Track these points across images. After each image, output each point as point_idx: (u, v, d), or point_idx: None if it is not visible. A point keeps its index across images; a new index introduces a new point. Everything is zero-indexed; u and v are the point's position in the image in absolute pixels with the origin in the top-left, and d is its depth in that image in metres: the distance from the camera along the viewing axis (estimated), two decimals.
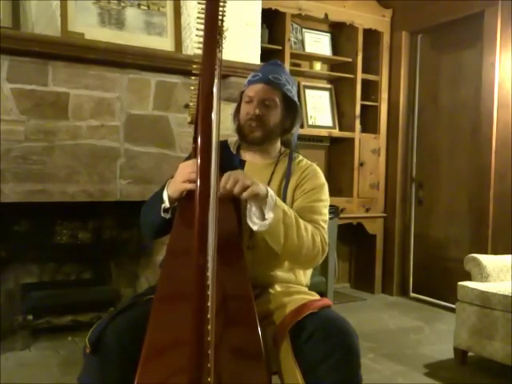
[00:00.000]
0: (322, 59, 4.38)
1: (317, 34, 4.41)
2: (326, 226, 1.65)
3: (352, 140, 4.36)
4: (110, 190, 3.02)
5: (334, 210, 3.72)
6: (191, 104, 1.48)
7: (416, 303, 4.25)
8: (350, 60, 4.33)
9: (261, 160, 1.74)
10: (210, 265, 1.10)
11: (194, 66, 1.33)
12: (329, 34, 4.48)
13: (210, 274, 1.10)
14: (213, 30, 0.92)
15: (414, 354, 3.03)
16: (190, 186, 1.48)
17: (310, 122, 4.29)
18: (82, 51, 2.81)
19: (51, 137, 2.84)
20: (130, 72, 3.04)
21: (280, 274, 1.64)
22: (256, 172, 1.69)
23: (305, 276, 1.73)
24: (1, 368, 2.56)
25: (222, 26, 1.24)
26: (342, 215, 4.04)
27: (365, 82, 4.39)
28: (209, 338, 1.05)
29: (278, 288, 1.60)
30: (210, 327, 1.06)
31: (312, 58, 4.31)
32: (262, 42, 3.60)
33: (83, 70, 2.91)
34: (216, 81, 0.99)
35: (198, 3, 1.07)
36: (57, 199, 2.88)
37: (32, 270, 3.18)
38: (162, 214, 1.57)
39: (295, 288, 1.64)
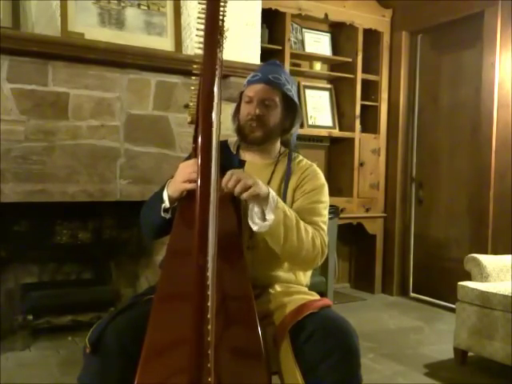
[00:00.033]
0: (322, 59, 4.38)
1: (317, 34, 4.41)
2: (325, 228, 1.65)
3: (352, 140, 4.36)
4: (110, 190, 3.02)
5: (334, 210, 3.72)
6: (191, 104, 1.48)
7: (416, 303, 4.25)
8: (350, 60, 4.33)
9: (260, 160, 1.74)
10: (210, 265, 1.10)
11: (195, 66, 1.33)
12: (329, 34, 4.48)
13: (210, 273, 1.10)
14: (213, 30, 0.92)
15: (413, 354, 3.03)
16: (190, 185, 1.48)
17: (310, 122, 4.29)
18: (82, 51, 2.81)
19: (51, 137, 2.84)
20: (130, 72, 3.04)
21: (280, 274, 1.64)
22: (256, 172, 1.68)
23: (305, 276, 1.74)
24: (1, 368, 2.56)
25: (223, 26, 1.24)
26: (342, 215, 4.04)
27: (365, 82, 4.39)
28: (209, 338, 1.05)
29: (278, 288, 1.60)
30: (210, 327, 1.06)
31: (312, 58, 4.31)
32: (262, 42, 3.60)
33: (83, 70, 2.91)
34: (216, 81, 0.99)
35: (199, 3, 1.07)
36: (57, 199, 2.88)
37: (32, 270, 3.18)
38: (162, 214, 1.57)
39: (295, 288, 1.64)
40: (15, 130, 2.75)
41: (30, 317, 2.88)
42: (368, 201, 4.46)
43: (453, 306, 3.02)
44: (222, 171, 1.41)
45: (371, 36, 4.41)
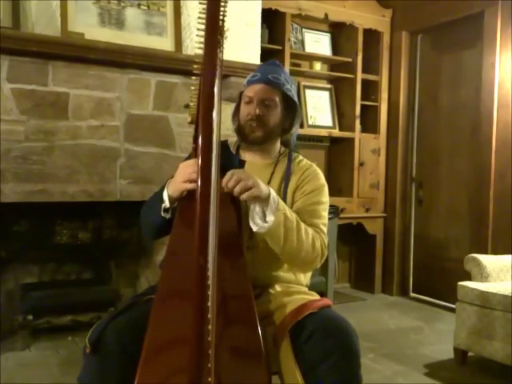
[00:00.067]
0: (322, 59, 4.39)
1: (317, 34, 4.41)
2: (325, 230, 1.65)
3: (352, 140, 4.36)
4: (110, 190, 3.02)
5: (334, 210, 3.72)
6: (191, 104, 1.48)
7: (416, 303, 4.25)
8: (350, 60, 4.33)
9: (260, 160, 1.74)
10: (210, 265, 1.10)
11: (195, 66, 1.33)
12: (329, 34, 4.48)
13: (210, 273, 1.10)
14: (214, 30, 0.92)
15: (414, 354, 3.03)
16: (190, 185, 1.48)
17: (310, 122, 4.29)
18: (82, 51, 2.81)
19: (51, 137, 2.84)
20: (130, 72, 3.04)
21: (280, 273, 1.64)
22: (256, 172, 1.68)
23: (305, 276, 1.74)
24: (1, 368, 2.56)
25: (223, 26, 1.24)
26: (342, 215, 4.04)
27: (365, 82, 4.39)
28: (209, 338, 1.05)
29: (278, 288, 1.60)
30: (210, 327, 1.06)
31: (312, 58, 4.31)
32: (262, 42, 3.60)
33: (83, 70, 2.91)
34: (217, 81, 0.99)
35: (200, 3, 1.08)
36: (57, 199, 2.88)
37: (32, 270, 3.18)
38: (162, 214, 1.57)
39: (295, 288, 1.64)
40: (15, 130, 2.75)
41: (30, 317, 2.88)
42: (368, 201, 4.46)
43: (453, 306, 3.02)
44: (222, 171, 1.41)
45: (371, 36, 4.41)
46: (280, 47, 3.99)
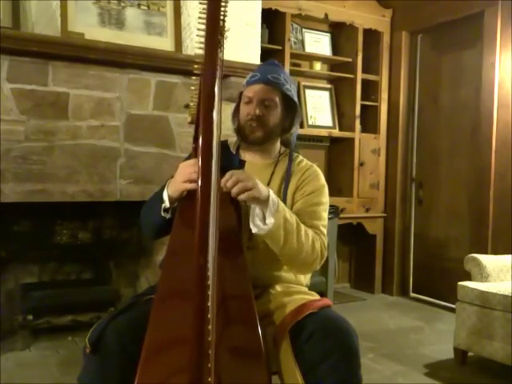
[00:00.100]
0: (322, 59, 4.39)
1: (317, 34, 4.41)
2: (325, 231, 1.65)
3: (352, 140, 4.36)
4: (110, 190, 3.02)
5: (334, 210, 3.72)
6: (192, 104, 1.48)
7: (416, 303, 4.25)
8: (350, 60, 4.33)
9: (260, 160, 1.74)
10: (210, 265, 1.10)
11: (195, 66, 1.33)
12: (329, 34, 4.48)
13: (210, 273, 1.10)
14: (214, 30, 0.92)
15: (414, 354, 3.03)
16: (190, 185, 1.48)
17: (309, 122, 4.29)
18: (82, 51, 2.81)
19: (51, 137, 2.84)
20: (130, 72, 3.04)
21: (280, 273, 1.64)
22: (256, 172, 1.68)
23: (305, 276, 1.74)
24: (1, 368, 2.56)
25: (224, 26, 1.24)
26: (342, 215, 4.04)
27: (365, 82, 4.39)
28: (209, 338, 1.05)
29: (278, 288, 1.60)
30: (210, 327, 1.06)
31: (312, 58, 4.31)
32: (262, 42, 3.60)
33: (83, 70, 2.91)
34: (217, 81, 0.99)
35: (200, 3, 1.07)
36: (57, 199, 2.88)
37: (32, 270, 3.18)
38: (163, 214, 1.57)
39: (295, 288, 1.64)
40: (15, 130, 2.75)
41: (30, 317, 2.88)
42: (368, 201, 4.46)
43: (453, 306, 3.02)
44: (222, 171, 1.41)
45: (371, 36, 4.41)
46: (280, 47, 3.99)
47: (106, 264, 3.36)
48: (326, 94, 4.46)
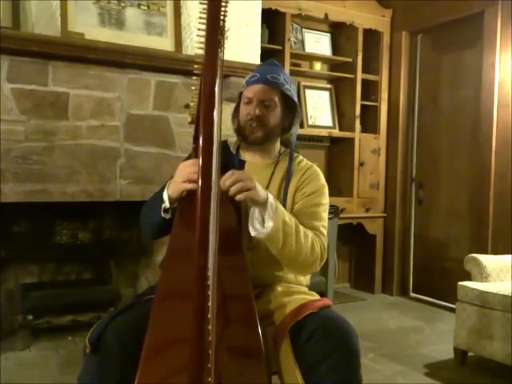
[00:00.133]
0: (322, 59, 4.38)
1: (317, 34, 4.41)
2: (325, 232, 1.65)
3: (352, 140, 4.36)
4: (110, 190, 3.02)
5: (334, 210, 3.72)
6: (192, 104, 1.48)
7: (416, 303, 4.25)
8: (350, 60, 4.33)
9: (261, 160, 1.74)
10: (210, 265, 1.10)
11: (195, 66, 1.33)
12: (329, 34, 4.48)
13: (210, 273, 1.10)
14: (215, 30, 0.92)
15: (414, 354, 3.03)
16: (189, 186, 1.48)
17: (310, 122, 4.29)
18: (82, 51, 2.81)
19: (51, 137, 2.84)
20: (130, 72, 3.04)
21: (280, 274, 1.64)
22: (256, 172, 1.68)
23: (305, 276, 1.74)
24: (1, 368, 2.56)
25: (224, 26, 1.24)
26: (342, 215, 4.04)
27: (365, 82, 4.39)
28: (209, 338, 1.05)
29: (278, 288, 1.60)
30: (210, 327, 1.06)
31: (312, 58, 4.31)
32: (262, 42, 3.60)
33: (83, 70, 2.91)
34: (217, 81, 0.99)
35: (200, 3, 1.07)
36: (57, 199, 2.87)
37: (32, 270, 3.18)
38: (163, 214, 1.57)
39: (295, 288, 1.64)
40: (15, 130, 2.75)
41: (30, 317, 2.87)
42: (368, 201, 4.46)
43: (453, 306, 3.02)
44: (222, 172, 1.41)
45: (371, 36, 4.41)
46: (280, 47, 3.99)
47: (106, 264, 3.36)
48: (326, 94, 4.46)
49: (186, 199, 1.52)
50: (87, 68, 2.91)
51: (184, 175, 1.49)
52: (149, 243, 3.30)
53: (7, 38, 2.58)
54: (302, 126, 4.11)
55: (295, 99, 1.72)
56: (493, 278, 2.84)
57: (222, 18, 1.16)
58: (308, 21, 4.30)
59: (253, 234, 1.49)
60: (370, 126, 4.50)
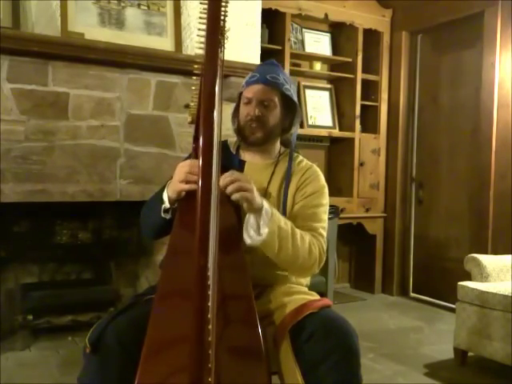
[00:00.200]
0: (322, 59, 4.39)
1: (317, 34, 4.41)
2: (325, 233, 1.65)
3: (352, 140, 4.36)
4: (110, 190, 3.02)
5: (334, 210, 3.72)
6: (192, 104, 1.48)
7: (416, 303, 4.25)
8: (350, 60, 4.33)
9: (261, 160, 1.74)
10: (210, 264, 1.10)
11: (195, 66, 1.33)
12: (329, 34, 4.48)
13: (210, 273, 1.10)
14: (215, 30, 0.92)
15: (414, 354, 3.03)
16: (187, 186, 1.48)
17: (309, 122, 4.29)
18: (82, 51, 2.81)
19: (51, 137, 2.84)
20: (130, 72, 3.04)
21: (280, 273, 1.64)
22: (256, 172, 1.69)
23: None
24: (1, 368, 2.56)
25: (224, 26, 1.24)
26: (342, 215, 4.04)
27: (365, 82, 4.39)
28: (209, 338, 1.05)
29: (278, 288, 1.60)
30: (210, 327, 1.06)
31: (312, 58, 4.31)
32: (262, 42, 3.60)
33: (83, 70, 2.91)
34: (217, 81, 0.99)
35: (200, 3, 1.07)
36: (57, 199, 2.88)
37: (32, 270, 3.18)
38: (162, 215, 1.57)
39: (295, 288, 1.64)
40: (15, 130, 2.75)
41: (30, 317, 2.87)
42: (368, 201, 4.46)
43: (453, 306, 3.02)
44: (222, 172, 1.41)
45: (371, 36, 4.41)
46: (280, 47, 3.99)
47: (106, 264, 3.36)
48: (326, 94, 4.46)
49: (186, 199, 1.52)
50: (87, 68, 2.91)
51: (181, 176, 1.49)
52: (149, 243, 3.30)
53: (7, 37, 2.58)
54: (302, 126, 4.11)
55: (295, 99, 1.72)
56: (493, 278, 2.84)
57: (222, 18, 1.16)
58: (308, 21, 4.30)
59: (248, 241, 1.48)
60: (370, 125, 4.50)
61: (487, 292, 2.66)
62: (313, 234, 1.60)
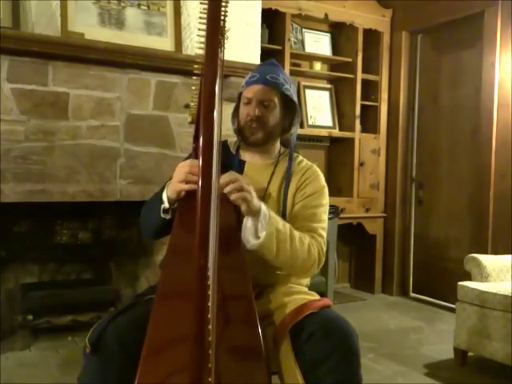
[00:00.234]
0: (322, 59, 4.39)
1: (317, 34, 4.41)
2: (325, 234, 1.65)
3: (352, 140, 4.37)
4: (110, 190, 3.02)
5: (334, 210, 3.72)
6: (192, 104, 1.47)
7: (416, 303, 4.25)
8: (350, 60, 4.33)
9: (260, 160, 1.74)
10: (210, 264, 1.10)
11: (195, 66, 1.33)
12: (329, 34, 4.48)
13: (210, 273, 1.10)
14: (215, 30, 0.92)
15: (414, 354, 3.03)
16: (186, 186, 1.47)
17: (309, 122, 4.30)
18: (82, 51, 2.81)
19: (51, 137, 2.84)
20: (130, 72, 3.04)
21: (280, 274, 1.64)
22: (256, 172, 1.69)
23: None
24: (1, 368, 2.56)
25: (224, 26, 1.24)
26: (342, 215, 4.04)
27: (365, 82, 4.40)
28: (209, 338, 1.05)
29: (278, 288, 1.61)
30: (210, 327, 1.06)
31: (312, 58, 4.31)
32: (262, 42, 3.60)
33: (83, 70, 2.91)
34: (218, 81, 0.99)
35: (201, 3, 1.08)
36: (57, 199, 2.88)
37: (32, 270, 3.18)
38: (162, 215, 1.57)
39: (295, 288, 1.64)
40: (15, 130, 2.75)
41: (30, 317, 2.87)
42: (368, 201, 4.46)
43: (453, 306, 3.02)
44: (222, 172, 1.41)
45: (371, 36, 4.41)
46: (280, 47, 3.99)
47: (106, 264, 3.36)
48: (326, 94, 4.46)
49: (185, 199, 1.51)
50: (87, 68, 2.91)
51: (180, 176, 1.49)
52: (149, 243, 3.30)
53: (7, 37, 2.58)
54: (302, 126, 4.11)
55: (295, 99, 1.72)
56: (493, 278, 2.84)
57: (222, 18, 1.16)
58: (308, 21, 4.30)
59: (246, 245, 1.48)
60: (370, 125, 4.50)
61: (487, 292, 2.67)
62: (312, 235, 1.60)
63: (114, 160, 3.02)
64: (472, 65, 3.92)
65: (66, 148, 2.89)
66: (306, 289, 1.70)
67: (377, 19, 4.42)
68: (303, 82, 4.33)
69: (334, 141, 4.47)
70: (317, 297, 1.59)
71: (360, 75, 4.34)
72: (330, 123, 4.40)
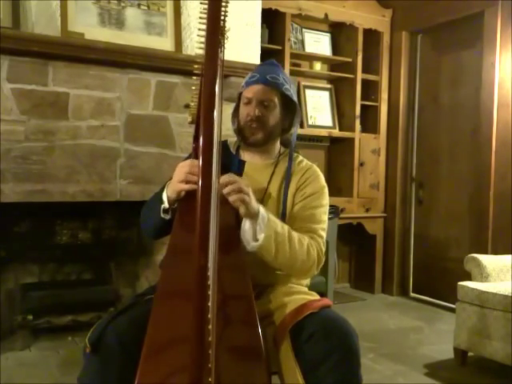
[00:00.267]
0: (322, 59, 4.39)
1: (317, 33, 4.41)
2: (324, 234, 1.65)
3: (352, 140, 4.37)
4: (110, 189, 3.02)
5: (334, 210, 3.72)
6: (192, 104, 1.47)
7: (416, 303, 4.25)
8: (350, 60, 4.33)
9: (260, 160, 1.74)
10: (210, 264, 1.10)
11: (195, 66, 1.33)
12: (329, 34, 4.48)
13: (210, 273, 1.10)
14: (215, 30, 0.92)
15: (414, 354, 3.03)
16: (186, 186, 1.48)
17: (309, 122, 4.29)
18: (82, 51, 2.81)
19: (51, 137, 2.84)
20: (130, 72, 3.04)
21: (280, 274, 1.64)
22: (256, 172, 1.69)
23: None
24: (1, 368, 2.56)
25: (224, 26, 1.24)
26: (342, 215, 4.04)
27: (365, 82, 4.40)
28: (209, 338, 1.05)
29: (278, 288, 1.61)
30: (210, 327, 1.06)
31: (312, 58, 4.31)
32: (262, 42, 3.60)
33: (83, 70, 2.91)
34: (218, 81, 0.99)
35: (201, 3, 1.08)
36: (57, 199, 2.88)
37: (32, 270, 3.18)
38: (162, 215, 1.57)
39: (295, 288, 1.64)
40: (15, 130, 2.75)
41: (30, 317, 2.87)
42: (368, 201, 4.46)
43: (453, 306, 3.02)
44: (222, 172, 1.41)
45: (371, 36, 4.41)
46: (280, 47, 3.99)
47: (106, 264, 3.36)
48: (326, 94, 4.46)
49: (185, 199, 1.51)
50: (87, 68, 2.91)
51: (180, 176, 1.49)
52: (149, 243, 3.30)
53: (7, 37, 2.59)
54: (302, 126, 4.11)
55: (295, 99, 1.72)
56: (493, 278, 2.84)
57: (222, 18, 1.17)
58: (308, 21, 4.30)
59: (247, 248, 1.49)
60: (370, 125, 4.50)
61: (487, 292, 2.67)
62: (311, 236, 1.60)
63: (113, 160, 3.03)
64: (472, 65, 3.92)
65: (66, 148, 2.89)
66: (306, 289, 1.69)
67: (377, 19, 4.42)
68: (303, 82, 4.33)
69: (334, 141, 4.47)
70: (317, 297, 1.59)
71: (360, 75, 4.34)
72: (329, 123, 4.40)
